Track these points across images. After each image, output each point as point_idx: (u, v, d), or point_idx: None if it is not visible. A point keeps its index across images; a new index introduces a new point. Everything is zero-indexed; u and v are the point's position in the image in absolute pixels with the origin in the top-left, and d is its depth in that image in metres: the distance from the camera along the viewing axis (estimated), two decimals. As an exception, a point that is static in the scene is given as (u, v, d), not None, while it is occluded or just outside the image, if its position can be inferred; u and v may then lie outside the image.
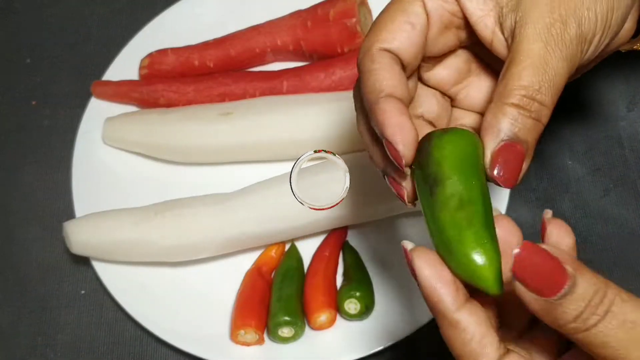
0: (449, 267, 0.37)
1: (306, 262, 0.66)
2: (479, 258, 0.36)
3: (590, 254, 0.64)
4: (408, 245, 0.39)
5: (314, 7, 0.72)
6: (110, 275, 0.65)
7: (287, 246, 0.67)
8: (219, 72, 0.73)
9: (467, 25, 0.43)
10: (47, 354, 0.65)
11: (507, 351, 0.36)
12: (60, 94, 0.76)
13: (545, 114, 0.39)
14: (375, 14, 0.74)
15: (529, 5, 0.40)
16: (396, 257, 0.65)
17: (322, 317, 0.62)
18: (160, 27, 0.76)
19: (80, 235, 0.64)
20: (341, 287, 0.63)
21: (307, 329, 0.63)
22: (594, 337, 0.33)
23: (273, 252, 0.66)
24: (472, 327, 0.36)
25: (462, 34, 0.44)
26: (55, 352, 0.65)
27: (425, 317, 0.61)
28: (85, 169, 0.70)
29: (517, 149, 0.38)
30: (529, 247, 0.34)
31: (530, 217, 0.66)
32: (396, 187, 0.42)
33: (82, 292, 0.68)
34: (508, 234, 0.40)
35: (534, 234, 0.65)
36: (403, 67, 0.42)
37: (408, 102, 0.41)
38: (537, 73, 0.39)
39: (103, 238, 0.64)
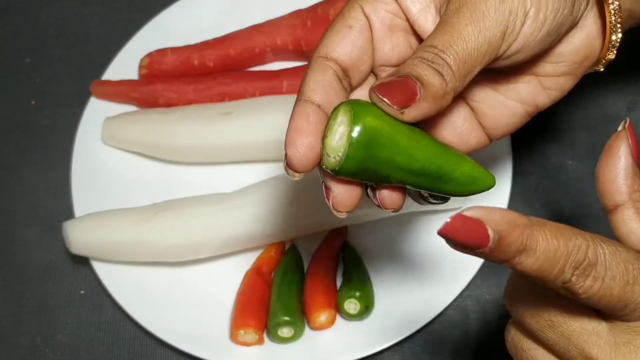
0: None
1: (306, 262, 0.66)
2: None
3: (590, 254, 0.64)
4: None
5: (314, 7, 0.72)
6: (110, 275, 0.65)
7: (287, 246, 0.67)
8: (219, 72, 0.73)
9: (414, 29, 0.43)
10: (46, 353, 0.65)
11: None
12: (60, 94, 0.76)
13: (447, 72, 0.38)
14: (375, 13, 0.73)
15: None
16: (396, 257, 0.65)
17: (322, 317, 0.62)
18: (160, 27, 0.75)
19: (79, 235, 0.64)
20: (341, 287, 0.63)
21: (307, 329, 0.63)
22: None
23: (273, 252, 0.66)
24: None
25: (413, 40, 0.44)
26: (55, 352, 0.65)
27: (425, 317, 0.61)
28: (84, 169, 0.70)
29: (409, 81, 0.38)
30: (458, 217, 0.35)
31: (530, 217, 0.66)
32: (326, 192, 0.41)
33: (82, 292, 0.68)
34: None
35: (534, 233, 0.65)
36: (346, 71, 0.42)
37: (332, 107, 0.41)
38: (442, 35, 0.39)
39: (103, 238, 0.64)
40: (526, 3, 0.40)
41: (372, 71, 0.44)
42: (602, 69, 0.47)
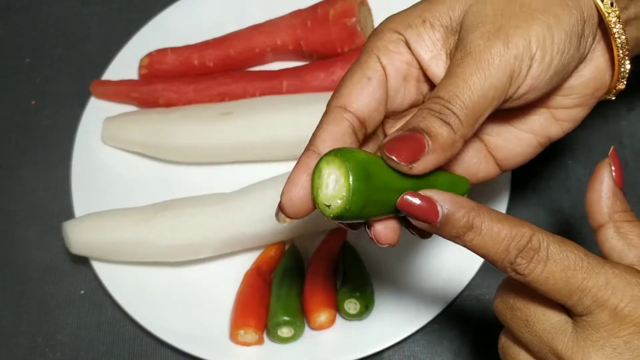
0: None
1: (306, 262, 0.66)
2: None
3: (590, 254, 0.64)
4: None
5: (314, 7, 0.72)
6: (110, 275, 0.65)
7: (287, 246, 0.67)
8: (219, 72, 0.73)
9: (427, 76, 0.45)
10: (46, 354, 0.65)
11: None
12: (60, 94, 0.76)
13: (454, 121, 0.40)
14: (375, 13, 0.74)
15: (463, 34, 0.42)
16: (396, 257, 0.65)
17: (322, 317, 0.62)
18: (160, 27, 0.75)
19: (79, 235, 0.64)
20: (341, 287, 0.63)
21: (306, 329, 0.63)
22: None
23: (273, 252, 0.66)
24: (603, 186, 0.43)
25: (424, 87, 0.45)
26: (55, 352, 0.65)
27: (424, 317, 0.61)
28: (84, 169, 0.70)
29: (417, 136, 0.39)
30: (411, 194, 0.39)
31: (530, 218, 0.65)
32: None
33: (82, 292, 0.68)
34: None
35: (534, 233, 0.65)
36: (362, 122, 0.42)
37: None
38: (448, 86, 0.40)
39: (103, 238, 0.64)
40: (531, 47, 0.41)
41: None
42: (613, 98, 0.48)
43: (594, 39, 0.44)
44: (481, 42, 0.40)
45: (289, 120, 0.67)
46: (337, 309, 0.63)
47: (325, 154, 0.39)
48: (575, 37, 0.42)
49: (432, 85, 0.45)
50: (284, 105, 0.67)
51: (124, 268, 0.66)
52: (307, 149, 0.42)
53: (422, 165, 0.39)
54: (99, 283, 0.66)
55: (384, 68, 0.43)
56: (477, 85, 0.40)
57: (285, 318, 0.61)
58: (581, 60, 0.45)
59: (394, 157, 0.39)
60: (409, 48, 0.44)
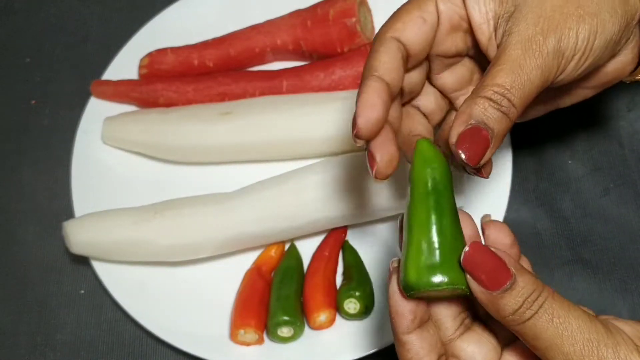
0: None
1: (306, 261, 0.66)
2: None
3: (590, 253, 0.64)
4: (395, 262, 0.44)
5: (314, 7, 0.72)
6: (110, 275, 0.65)
7: (287, 246, 0.67)
8: (219, 71, 0.73)
9: (473, 34, 0.48)
10: (46, 353, 0.65)
11: None
12: (60, 94, 0.76)
13: (512, 112, 0.42)
14: (375, 13, 0.74)
15: (519, 17, 0.44)
16: (396, 257, 0.65)
17: (322, 316, 0.62)
18: (160, 27, 0.75)
19: (79, 235, 0.64)
20: (341, 287, 0.63)
21: (306, 328, 0.63)
22: (528, 330, 0.39)
23: (273, 252, 0.66)
24: (415, 349, 0.42)
25: (469, 40, 0.48)
26: (55, 352, 0.65)
27: (425, 317, 0.61)
28: (84, 169, 0.70)
29: (483, 133, 0.42)
30: (477, 246, 0.40)
31: (530, 217, 0.66)
32: (369, 159, 0.44)
33: (82, 291, 0.68)
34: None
35: (534, 234, 0.66)
36: (409, 56, 0.45)
37: (397, 88, 0.45)
38: (511, 75, 0.42)
39: (103, 238, 0.64)
40: (576, 48, 0.44)
41: (427, 58, 0.48)
42: (627, 82, 0.52)
43: (627, 40, 0.47)
44: (540, 38, 0.43)
45: (289, 120, 0.67)
46: (337, 308, 0.63)
47: (411, 294, 0.41)
48: (612, 44, 0.45)
49: (475, 40, 0.47)
50: (284, 105, 0.67)
51: (124, 268, 0.66)
52: (368, 75, 0.43)
53: (484, 159, 0.42)
54: (99, 283, 0.66)
55: (438, 13, 0.46)
56: (535, 78, 0.42)
57: (285, 318, 0.61)
58: (611, 59, 0.48)
59: (464, 159, 0.41)
60: (465, 5, 0.46)
